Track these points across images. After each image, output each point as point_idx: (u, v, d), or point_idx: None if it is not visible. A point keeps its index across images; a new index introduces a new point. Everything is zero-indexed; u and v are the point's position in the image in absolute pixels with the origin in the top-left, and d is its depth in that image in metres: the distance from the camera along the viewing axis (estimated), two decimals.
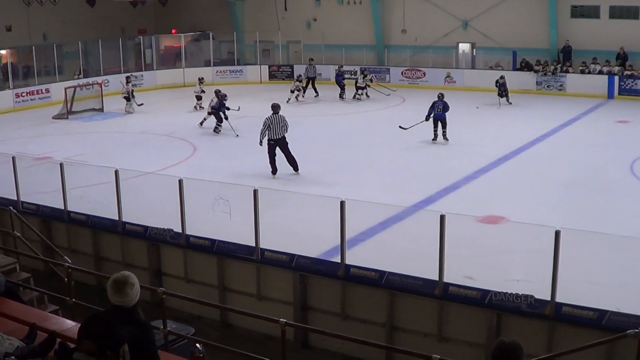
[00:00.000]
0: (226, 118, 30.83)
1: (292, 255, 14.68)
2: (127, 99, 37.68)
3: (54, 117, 37.37)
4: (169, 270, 16.77)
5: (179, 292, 13.62)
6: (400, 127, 28.46)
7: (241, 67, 50.37)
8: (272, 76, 49.51)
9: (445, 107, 27.61)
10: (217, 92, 31.68)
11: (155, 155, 26.70)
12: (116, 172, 16.70)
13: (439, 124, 27.56)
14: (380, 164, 24.70)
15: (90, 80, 42.76)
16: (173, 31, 53.45)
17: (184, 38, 51.91)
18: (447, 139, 27.50)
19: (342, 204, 13.68)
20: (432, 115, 27.67)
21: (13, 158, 19.11)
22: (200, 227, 16.44)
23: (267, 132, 22.77)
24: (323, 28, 49.51)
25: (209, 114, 31.72)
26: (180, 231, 16.09)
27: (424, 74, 45.16)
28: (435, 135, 27.64)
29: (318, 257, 14.86)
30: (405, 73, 45.66)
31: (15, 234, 16.53)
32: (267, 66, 50.06)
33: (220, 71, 49.61)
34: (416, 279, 13.23)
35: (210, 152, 27.76)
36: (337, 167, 24.46)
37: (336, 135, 30.16)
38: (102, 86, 40.40)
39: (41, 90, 42.76)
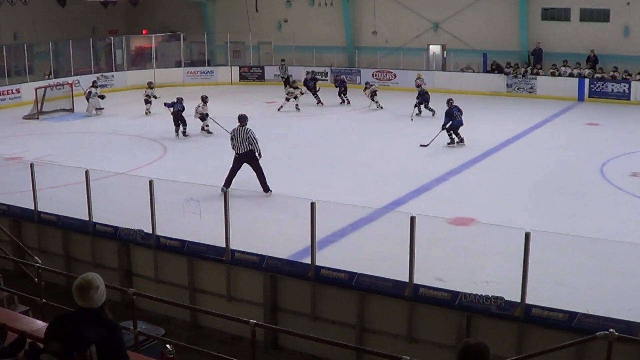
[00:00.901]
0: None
1: (262, 256, 14.68)
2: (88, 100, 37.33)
3: (24, 118, 37.17)
4: (139, 271, 16.73)
5: (149, 293, 13.59)
6: (421, 145, 27.48)
7: (212, 68, 50.28)
8: (242, 77, 49.47)
9: (460, 111, 27.40)
10: (204, 98, 31.54)
11: (126, 156, 26.61)
12: (86, 172, 16.64)
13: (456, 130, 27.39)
14: (349, 166, 24.69)
15: (60, 80, 42.56)
16: (144, 32, 53.29)
17: (155, 39, 51.74)
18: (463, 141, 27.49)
19: (313, 205, 13.70)
20: (451, 123, 26.98)
21: None
22: (170, 228, 16.41)
23: (232, 144, 21.00)
24: (294, 29, 49.55)
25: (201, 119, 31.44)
26: (151, 232, 16.05)
27: (395, 75, 45.22)
28: (452, 140, 27.24)
29: (288, 258, 14.87)
30: (376, 75, 45.67)
31: None
32: (237, 67, 49.99)
33: (191, 72, 49.52)
34: (386, 281, 13.26)
35: (180, 153, 27.68)
36: (308, 168, 24.49)
37: (307, 136, 30.20)
38: (73, 86, 40.22)
39: (11, 90, 42.51)
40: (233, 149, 20.82)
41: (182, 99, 31.57)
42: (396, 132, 30.23)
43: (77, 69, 46.96)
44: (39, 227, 18.32)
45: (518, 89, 41.33)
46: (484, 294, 12.40)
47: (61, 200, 19.73)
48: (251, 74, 49.63)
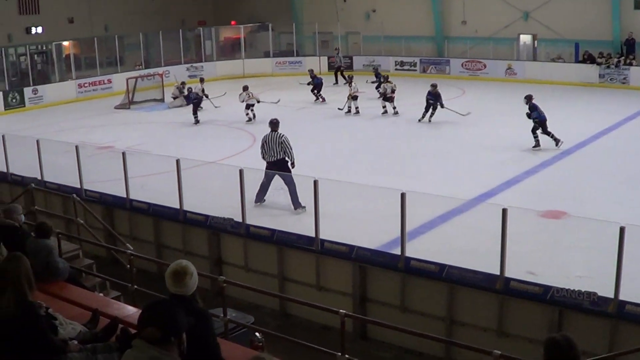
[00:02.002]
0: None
1: (351, 247, 14.62)
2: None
3: (116, 107, 37.80)
4: (229, 259, 16.82)
5: (239, 281, 13.60)
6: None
7: (300, 59, 50.37)
8: (331, 67, 49.41)
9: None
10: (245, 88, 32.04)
11: (216, 145, 26.84)
12: (177, 161, 16.79)
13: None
14: (439, 157, 24.54)
15: (151, 71, 43.21)
16: (232, 23, 53.66)
17: (243, 29, 52.12)
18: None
19: (403, 196, 13.59)
20: (536, 118, 25.43)
21: (76, 147, 19.35)
22: (260, 217, 16.47)
23: (262, 152, 19.20)
24: (382, 19, 49.25)
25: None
26: (241, 220, 16.13)
27: (485, 65, 44.67)
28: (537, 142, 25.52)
29: (378, 248, 14.80)
30: (465, 65, 45.27)
31: (79, 221, 16.77)
32: (326, 57, 49.99)
33: (280, 62, 49.72)
34: (477, 273, 13.09)
35: (300, 133, 27.78)
36: (398, 159, 24.39)
37: (396, 127, 30.04)
38: (163, 77, 40.72)
39: (103, 80, 43.35)
40: (263, 158, 19.11)
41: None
42: (484, 123, 29.86)
43: (167, 60, 47.58)
44: (130, 214, 18.57)
45: (611, 79, 40.39)
46: (576, 289, 12.13)
47: (152, 188, 19.98)
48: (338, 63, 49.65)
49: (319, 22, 50.14)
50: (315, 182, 14.63)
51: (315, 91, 37.44)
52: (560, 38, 43.36)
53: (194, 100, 33.61)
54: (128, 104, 37.78)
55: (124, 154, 18.23)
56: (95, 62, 44.79)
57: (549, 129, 25.23)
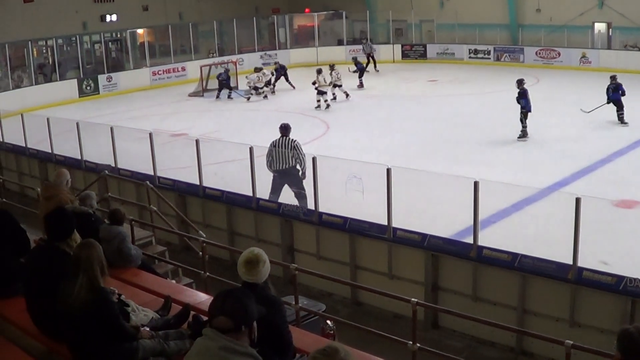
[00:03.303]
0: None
1: (424, 235, 14.55)
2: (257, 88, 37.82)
3: (189, 95, 38.21)
4: (301, 247, 16.85)
5: (311, 269, 13.63)
6: (581, 110, 27.50)
7: (374, 46, 50.18)
8: (404, 55, 49.28)
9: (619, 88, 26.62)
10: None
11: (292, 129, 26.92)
12: (251, 149, 16.80)
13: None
14: (511, 145, 24.33)
15: (225, 58, 43.46)
16: (306, 10, 53.68)
17: (317, 17, 52.15)
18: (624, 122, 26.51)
19: (476, 184, 13.46)
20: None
21: (150, 134, 19.51)
22: (333, 205, 16.49)
23: (269, 160, 17.90)
24: (456, 7, 48.78)
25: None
26: (314, 209, 16.15)
27: (559, 54, 44.00)
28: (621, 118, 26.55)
29: (450, 237, 14.73)
30: (539, 53, 44.67)
31: (152, 208, 16.93)
32: (399, 45, 49.83)
33: (353, 50, 49.62)
34: (549, 263, 12.93)
35: (343, 130, 27.87)
36: (468, 147, 24.26)
37: (464, 115, 29.83)
38: (237, 65, 40.96)
39: (177, 68, 43.81)
40: (269, 167, 17.91)
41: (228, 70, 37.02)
42: (557, 110, 29.48)
43: (241, 48, 47.91)
44: (203, 201, 18.69)
45: None
46: None
47: (225, 175, 20.16)
48: (413, 52, 49.41)
49: (393, 9, 49.96)
50: (388, 171, 14.56)
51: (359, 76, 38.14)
52: (635, 26, 42.47)
53: (223, 82, 36.71)
54: (202, 91, 38.13)
55: (197, 141, 18.32)
56: (169, 49, 45.33)
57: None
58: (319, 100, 32.02)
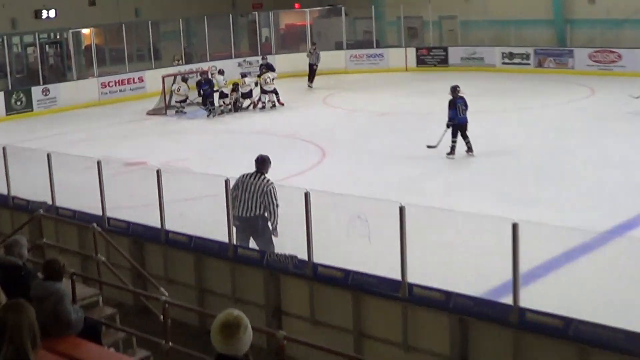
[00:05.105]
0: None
1: (448, 293, 14.33)
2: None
3: (148, 113, 38.19)
4: (291, 309, 16.61)
5: (303, 338, 13.42)
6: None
7: (381, 51, 50.44)
8: (420, 61, 49.43)
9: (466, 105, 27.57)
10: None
11: (276, 161, 26.57)
12: (227, 182, 16.60)
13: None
14: (558, 176, 24.25)
15: (193, 67, 43.50)
16: (296, 5, 53.90)
17: (310, 14, 52.41)
18: None
19: (515, 227, 13.25)
20: (452, 118, 27.17)
21: (98, 163, 19.24)
22: (331, 254, 16.28)
23: (233, 203, 17.03)
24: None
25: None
26: (307, 259, 15.92)
27: (619, 56, 43.90)
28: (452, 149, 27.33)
29: (483, 296, 14.53)
30: (594, 56, 44.55)
31: (99, 258, 16.66)
32: (414, 49, 49.94)
33: (355, 56, 49.81)
34: (616, 332, 12.68)
35: (343, 157, 27.77)
36: (501, 180, 24.20)
37: (497, 139, 29.66)
38: (210, 74, 40.87)
39: (133, 79, 43.88)
40: (234, 214, 17.05)
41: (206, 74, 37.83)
42: (617, 131, 29.37)
43: (215, 53, 47.99)
44: (166, 250, 18.44)
45: None
46: None
47: (195, 216, 19.97)
48: (431, 58, 49.56)
49: (405, 4, 50.07)
50: (402, 209, 14.35)
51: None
52: None
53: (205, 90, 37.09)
54: (164, 108, 38.12)
55: (158, 172, 18.09)
56: (124, 55, 45.30)
57: (467, 132, 26.91)
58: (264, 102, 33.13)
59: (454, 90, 27.51)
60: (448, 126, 26.88)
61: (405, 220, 14.38)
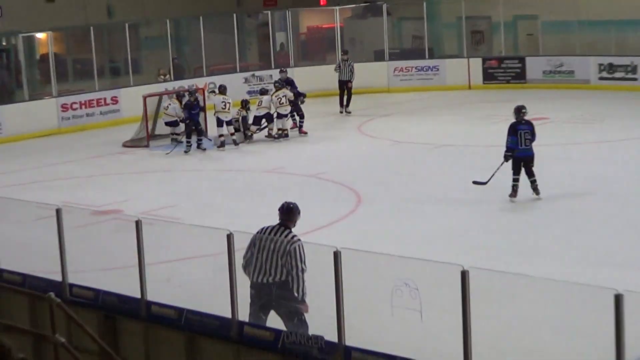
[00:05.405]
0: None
1: None
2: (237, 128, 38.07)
3: (125, 145, 38.25)
4: None
5: None
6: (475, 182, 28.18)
7: (436, 62, 50.45)
8: (488, 77, 49.35)
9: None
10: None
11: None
12: (229, 237, 16.60)
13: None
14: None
15: (185, 83, 43.49)
16: (322, 2, 53.98)
17: (340, 13, 52.32)
18: None
19: (619, 299, 13.19)
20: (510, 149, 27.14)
21: (57, 212, 19.31)
22: (369, 333, 16.26)
23: (246, 259, 17.13)
24: None
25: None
26: (336, 340, 15.89)
27: None
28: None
29: None
30: None
31: (58, 339, 16.67)
32: (479, 60, 49.91)
33: (401, 69, 49.82)
34: None
35: (383, 205, 27.72)
36: (596, 237, 24.00)
37: (595, 181, 29.43)
38: (206, 92, 40.88)
39: (104, 99, 43.91)
40: (244, 270, 17.14)
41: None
42: None
43: (213, 65, 48.05)
44: (147, 328, 18.43)
45: None
46: None
47: (187, 283, 19.96)
48: (503, 72, 49.49)
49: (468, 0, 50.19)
50: (465, 275, 14.33)
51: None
52: None
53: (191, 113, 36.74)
54: (146, 139, 38.10)
55: (138, 223, 18.12)
56: (92, 68, 45.28)
57: (532, 169, 26.83)
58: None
59: (518, 111, 27.29)
60: (506, 158, 26.88)
61: (468, 288, 14.36)
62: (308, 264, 16.79)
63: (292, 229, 17.05)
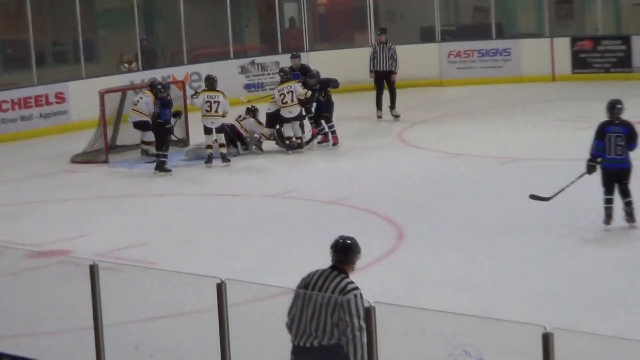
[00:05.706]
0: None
1: None
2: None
3: (75, 160, 38.28)
4: None
5: None
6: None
7: (507, 44, 50.49)
8: (579, 63, 49.38)
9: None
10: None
11: (312, 248, 26.72)
12: (219, 286, 16.70)
13: None
14: None
15: (158, 74, 43.54)
16: None
17: None
18: None
19: None
20: None
21: None
22: None
23: (290, 318, 16.66)
24: None
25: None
26: None
27: None
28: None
29: None
30: None
31: None
32: (567, 40, 49.96)
33: (459, 53, 49.90)
34: None
35: (432, 240, 27.76)
36: None
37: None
38: (186, 87, 40.90)
39: (45, 96, 43.88)
40: (290, 329, 16.63)
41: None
42: None
43: (197, 49, 48.21)
44: None
45: None
46: None
47: (161, 351, 20.05)
48: (599, 56, 49.46)
49: None
50: (547, 338, 14.42)
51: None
52: None
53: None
54: (105, 151, 38.15)
55: (92, 268, 18.22)
56: (28, 53, 45.40)
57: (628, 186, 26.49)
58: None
59: (612, 107, 27.36)
60: (588, 169, 26.69)
61: (553, 356, 14.47)
62: None
63: (350, 274, 16.39)
